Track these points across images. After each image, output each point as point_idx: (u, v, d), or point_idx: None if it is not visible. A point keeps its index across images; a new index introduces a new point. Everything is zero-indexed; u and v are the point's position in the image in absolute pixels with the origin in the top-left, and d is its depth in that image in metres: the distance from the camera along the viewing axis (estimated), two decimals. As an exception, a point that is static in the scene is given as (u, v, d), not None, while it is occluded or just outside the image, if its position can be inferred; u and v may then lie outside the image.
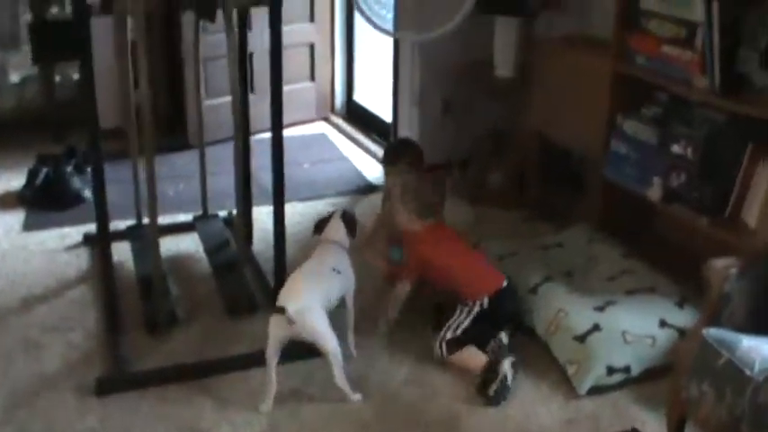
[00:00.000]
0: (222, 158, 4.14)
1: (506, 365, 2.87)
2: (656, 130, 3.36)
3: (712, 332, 2.26)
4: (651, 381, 2.93)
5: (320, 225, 3.13)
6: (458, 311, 3.05)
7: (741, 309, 2.34)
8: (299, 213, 4.17)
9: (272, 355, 2.73)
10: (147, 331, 3.13)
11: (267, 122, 2.98)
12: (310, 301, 2.75)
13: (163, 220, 3.82)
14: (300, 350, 2.84)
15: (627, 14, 3.45)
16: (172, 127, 5.04)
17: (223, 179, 4.16)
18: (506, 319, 3.09)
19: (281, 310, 2.66)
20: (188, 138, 4.90)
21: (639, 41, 3.39)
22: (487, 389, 2.83)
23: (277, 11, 2.83)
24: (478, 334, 3.01)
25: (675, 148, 3.21)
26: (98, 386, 2.79)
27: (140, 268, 3.47)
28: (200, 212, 3.98)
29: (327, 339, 2.75)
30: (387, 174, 3.66)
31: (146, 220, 3.82)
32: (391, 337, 3.16)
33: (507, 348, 2.97)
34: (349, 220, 3.14)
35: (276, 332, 2.72)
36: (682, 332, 3.01)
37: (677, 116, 3.30)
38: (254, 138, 3.73)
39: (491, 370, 2.86)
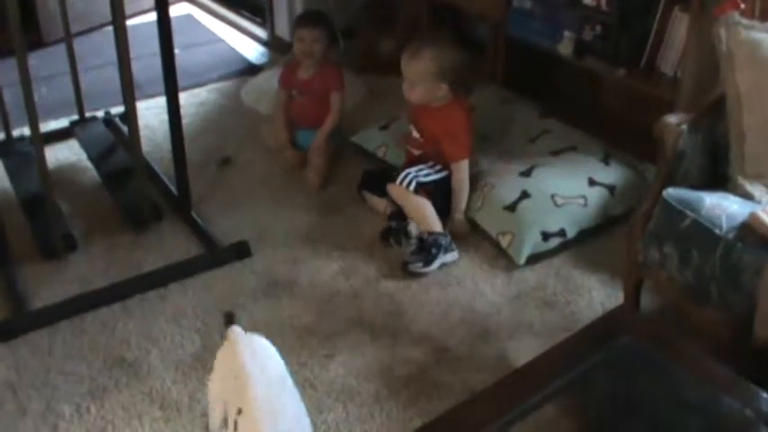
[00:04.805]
0: (82, 54, 3.72)
1: (445, 258, 2.79)
2: (562, -19, 3.20)
3: (672, 192, 2.17)
4: (589, 242, 2.89)
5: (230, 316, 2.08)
6: (430, 162, 2.94)
7: (694, 165, 2.26)
8: (182, 105, 3.65)
9: None
10: (44, 258, 2.81)
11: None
12: None
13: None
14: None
15: None
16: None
17: (89, 77, 3.77)
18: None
19: None
20: (41, 35, 4.39)
21: None
22: (411, 263, 2.74)
23: None
24: (439, 196, 2.90)
25: (588, 0, 3.06)
26: (1, 331, 2.47)
27: (20, 188, 3.11)
28: (73, 117, 3.59)
29: None
30: (299, 37, 3.33)
31: (16, 132, 3.45)
32: (310, 233, 2.97)
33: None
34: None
35: None
36: (611, 189, 2.96)
37: (584, -34, 3.14)
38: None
39: (431, 249, 2.75)
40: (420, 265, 2.74)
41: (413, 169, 2.90)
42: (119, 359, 2.41)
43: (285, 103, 3.43)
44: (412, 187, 2.85)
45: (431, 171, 2.92)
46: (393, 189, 2.88)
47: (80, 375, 2.36)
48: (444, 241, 2.78)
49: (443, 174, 2.93)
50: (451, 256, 2.81)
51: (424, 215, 2.83)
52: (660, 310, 2.47)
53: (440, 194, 2.91)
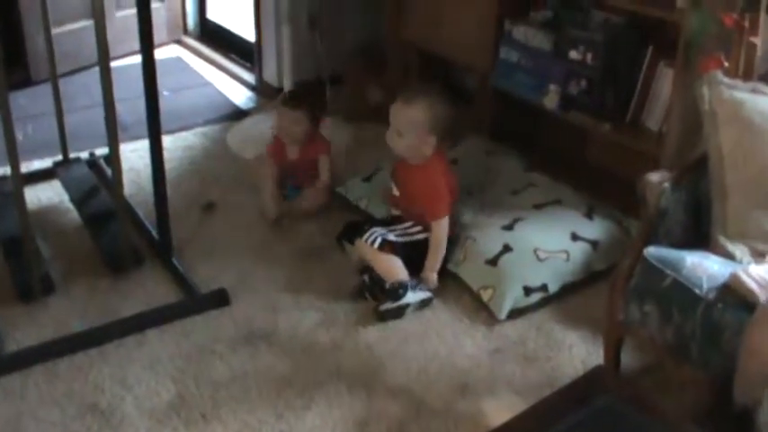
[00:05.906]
0: (71, 94, 3.71)
1: (417, 296, 2.78)
2: (549, 35, 3.22)
3: (653, 251, 2.16)
4: (571, 297, 2.86)
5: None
6: (407, 224, 2.90)
7: (676, 224, 2.25)
8: (167, 148, 3.76)
9: None
10: (21, 300, 2.77)
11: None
12: None
13: (15, 168, 3.42)
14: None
15: None
16: (8, 62, 4.48)
17: (76, 117, 3.76)
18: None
19: None
20: (29, 73, 4.39)
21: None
22: (381, 305, 2.74)
23: None
24: (407, 256, 2.85)
25: (573, 54, 3.08)
26: (-27, 374, 2.44)
27: (0, 228, 3.07)
28: (59, 157, 3.57)
29: None
30: (281, 114, 3.34)
31: (-2, 172, 3.44)
32: (291, 281, 2.94)
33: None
34: None
35: None
36: (594, 244, 2.94)
37: (571, 20, 3.17)
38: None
39: (398, 290, 2.75)
40: (390, 302, 2.73)
41: (384, 228, 2.87)
42: (92, 406, 2.37)
43: (273, 176, 3.37)
44: (376, 245, 2.80)
45: (403, 233, 2.88)
46: (359, 245, 2.86)
47: (52, 422, 2.31)
48: (411, 282, 2.78)
49: (417, 238, 2.88)
50: (424, 295, 2.80)
51: (392, 270, 2.79)
52: (641, 368, 2.45)
53: (406, 253, 2.85)
